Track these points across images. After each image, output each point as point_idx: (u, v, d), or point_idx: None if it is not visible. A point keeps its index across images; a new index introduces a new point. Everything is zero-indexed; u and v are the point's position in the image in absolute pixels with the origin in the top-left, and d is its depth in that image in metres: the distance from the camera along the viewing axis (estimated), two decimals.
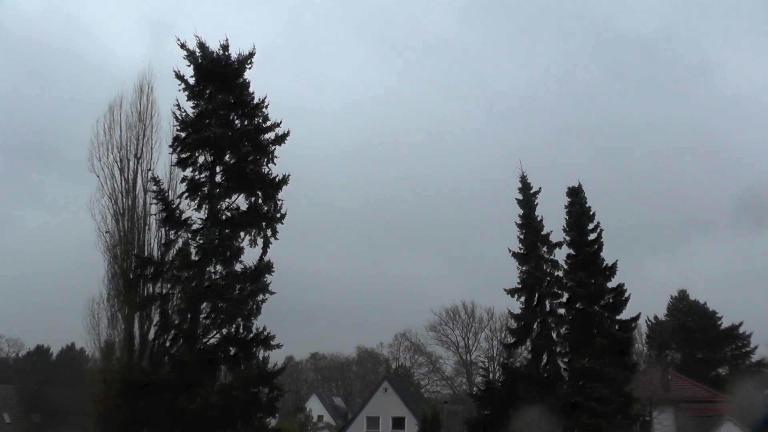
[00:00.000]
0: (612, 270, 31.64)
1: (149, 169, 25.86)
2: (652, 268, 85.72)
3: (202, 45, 24.71)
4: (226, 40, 24.96)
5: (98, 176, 25.42)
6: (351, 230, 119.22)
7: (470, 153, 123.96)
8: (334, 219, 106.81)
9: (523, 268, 31.86)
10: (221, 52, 24.91)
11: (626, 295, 31.30)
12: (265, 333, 23.00)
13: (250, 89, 25.10)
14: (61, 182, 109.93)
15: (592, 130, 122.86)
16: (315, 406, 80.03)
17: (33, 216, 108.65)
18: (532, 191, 32.96)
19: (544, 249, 32.11)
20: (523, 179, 33.25)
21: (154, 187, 24.12)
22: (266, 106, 25.02)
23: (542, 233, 32.24)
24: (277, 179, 24.46)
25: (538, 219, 32.60)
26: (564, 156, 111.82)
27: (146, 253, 25.01)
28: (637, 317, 32.16)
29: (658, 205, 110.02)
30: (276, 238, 24.05)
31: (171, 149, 24.42)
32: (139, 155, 26.06)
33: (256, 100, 25.03)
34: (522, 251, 32.20)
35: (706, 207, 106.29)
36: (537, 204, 32.88)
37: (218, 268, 23.39)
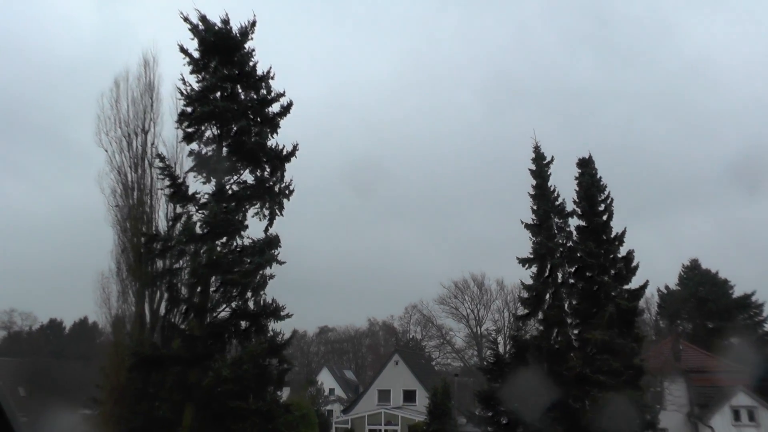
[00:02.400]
0: (620, 239, 31.46)
1: (152, 144, 25.76)
2: (640, 238, 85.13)
3: (203, 18, 24.45)
4: (226, 14, 24.73)
5: (106, 150, 25.34)
6: (342, 204, 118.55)
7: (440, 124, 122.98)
8: (319, 192, 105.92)
9: (536, 239, 31.66)
10: (223, 25, 24.62)
11: (635, 263, 31.11)
12: (274, 304, 22.97)
13: (254, 60, 24.91)
14: (33, 150, 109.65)
15: (552, 98, 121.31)
16: (326, 379, 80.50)
17: (12, 187, 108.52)
18: (545, 162, 32.74)
19: (557, 219, 31.92)
20: (537, 149, 33.03)
21: (160, 164, 24.00)
22: (271, 78, 24.85)
23: (556, 204, 32.05)
24: (284, 152, 24.28)
25: (551, 189, 32.38)
26: (525, 124, 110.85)
27: (154, 227, 24.98)
28: (645, 285, 31.94)
29: (633, 175, 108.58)
30: (281, 214, 23.98)
31: (177, 124, 24.28)
32: (146, 129, 25.93)
33: (260, 72, 24.83)
34: (535, 222, 32.01)
35: (686, 174, 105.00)
36: (550, 174, 32.67)
37: (225, 241, 23.31)
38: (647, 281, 31.92)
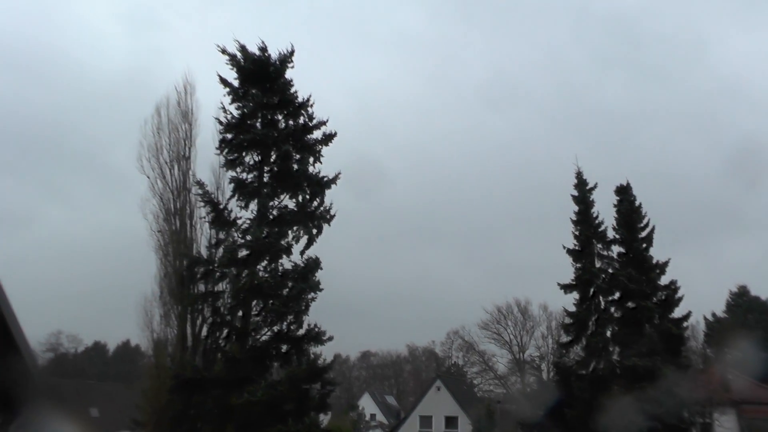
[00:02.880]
0: (662, 268, 31.03)
1: (189, 169, 26.21)
2: (682, 263, 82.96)
3: (243, 48, 24.68)
4: (263, 42, 24.98)
5: (148, 177, 25.85)
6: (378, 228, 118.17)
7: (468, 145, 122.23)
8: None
9: (578, 265, 31.42)
10: (260, 53, 24.84)
11: (679, 292, 30.65)
12: (316, 329, 23.08)
13: (293, 88, 25.07)
14: (74, 176, 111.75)
15: (584, 120, 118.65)
16: (367, 405, 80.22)
17: (56, 212, 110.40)
18: (587, 187, 32.51)
19: (599, 246, 31.66)
20: (579, 175, 32.88)
21: (200, 191, 24.38)
22: (311, 105, 25.00)
23: (598, 230, 31.80)
24: (325, 179, 24.45)
25: (594, 215, 32.15)
26: (558, 148, 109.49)
27: (196, 251, 25.31)
28: (688, 315, 31.47)
29: (671, 198, 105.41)
30: (316, 241, 24.08)
31: (218, 151, 24.64)
32: (187, 156, 26.40)
33: (300, 99, 25.01)
34: (577, 248, 31.75)
35: (727, 196, 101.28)
36: (593, 200, 32.43)
37: (267, 266, 23.52)
38: (690, 312, 31.53)
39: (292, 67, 25.19)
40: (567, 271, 31.91)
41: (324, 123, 24.85)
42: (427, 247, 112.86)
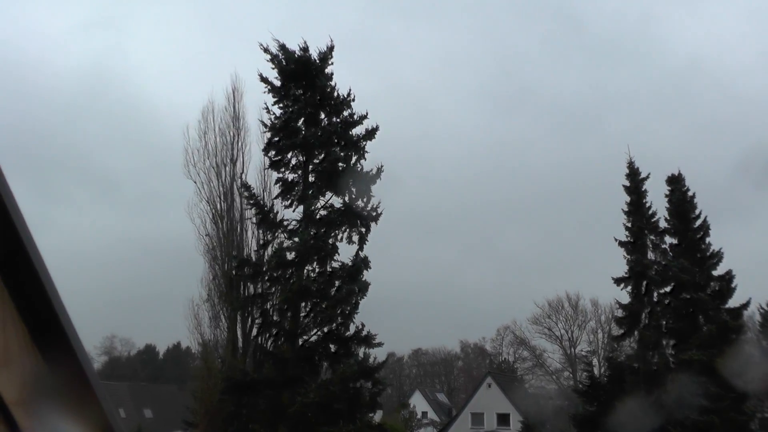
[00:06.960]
0: (718, 257, 30.32)
1: (242, 173, 26.37)
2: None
3: (283, 47, 24.63)
4: (305, 41, 24.90)
5: (195, 182, 26.10)
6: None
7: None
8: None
9: (630, 257, 30.90)
10: (302, 52, 24.77)
11: (734, 282, 29.91)
12: (365, 331, 23.14)
13: (333, 85, 24.91)
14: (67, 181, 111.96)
15: (550, 112, 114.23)
16: (418, 402, 79.98)
17: (61, 217, 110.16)
18: (640, 177, 31.94)
19: (652, 237, 31.11)
20: (631, 165, 32.23)
21: (246, 193, 24.57)
22: (352, 101, 24.83)
23: (651, 221, 31.26)
24: (369, 173, 24.38)
25: (647, 206, 31.59)
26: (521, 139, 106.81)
27: (245, 254, 25.49)
28: (747, 304, 30.65)
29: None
30: (367, 240, 24.02)
31: (263, 153, 24.79)
32: (234, 159, 26.61)
33: (341, 96, 24.85)
34: (629, 239, 31.23)
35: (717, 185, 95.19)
36: (646, 191, 31.86)
37: (315, 266, 23.61)
38: (749, 299, 30.64)
39: (332, 63, 25.08)
40: (617, 264, 31.44)
41: (365, 117, 24.74)
42: (470, 250, 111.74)
